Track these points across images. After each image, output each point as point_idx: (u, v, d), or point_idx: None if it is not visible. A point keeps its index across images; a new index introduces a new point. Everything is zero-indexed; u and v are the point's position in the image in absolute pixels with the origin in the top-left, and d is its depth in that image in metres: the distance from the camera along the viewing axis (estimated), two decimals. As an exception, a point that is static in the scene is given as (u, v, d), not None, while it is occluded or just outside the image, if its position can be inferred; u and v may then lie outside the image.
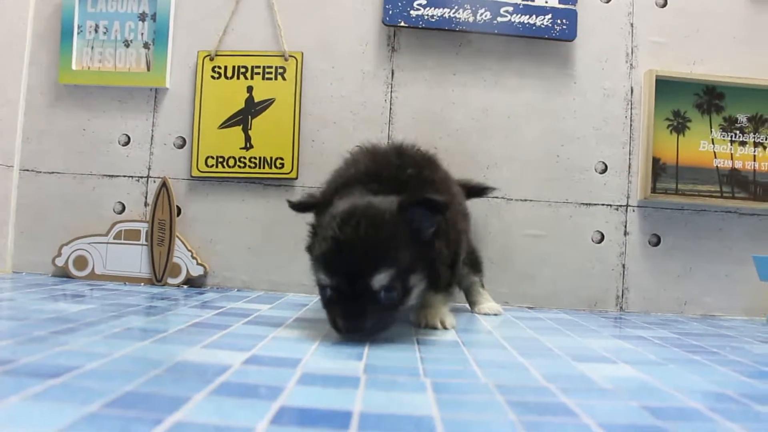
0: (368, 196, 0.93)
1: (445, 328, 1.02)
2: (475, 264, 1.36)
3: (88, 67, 1.55)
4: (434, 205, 0.89)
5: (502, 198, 1.50)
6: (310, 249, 0.95)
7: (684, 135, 1.50)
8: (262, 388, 0.58)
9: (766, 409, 0.60)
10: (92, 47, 1.55)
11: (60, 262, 1.51)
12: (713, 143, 1.51)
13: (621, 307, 1.50)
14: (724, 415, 0.57)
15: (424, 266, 0.90)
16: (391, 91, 1.52)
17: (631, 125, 1.52)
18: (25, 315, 0.91)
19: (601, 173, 1.52)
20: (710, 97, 1.51)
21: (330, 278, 0.86)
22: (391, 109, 1.52)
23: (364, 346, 0.83)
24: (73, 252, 1.51)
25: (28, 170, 1.56)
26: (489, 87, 1.53)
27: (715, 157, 1.50)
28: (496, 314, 1.30)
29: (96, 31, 1.56)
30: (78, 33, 1.55)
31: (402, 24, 1.49)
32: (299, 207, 1.00)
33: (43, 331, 0.79)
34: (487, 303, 1.34)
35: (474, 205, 1.47)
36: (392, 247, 0.86)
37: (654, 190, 1.48)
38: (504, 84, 1.53)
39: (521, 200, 1.51)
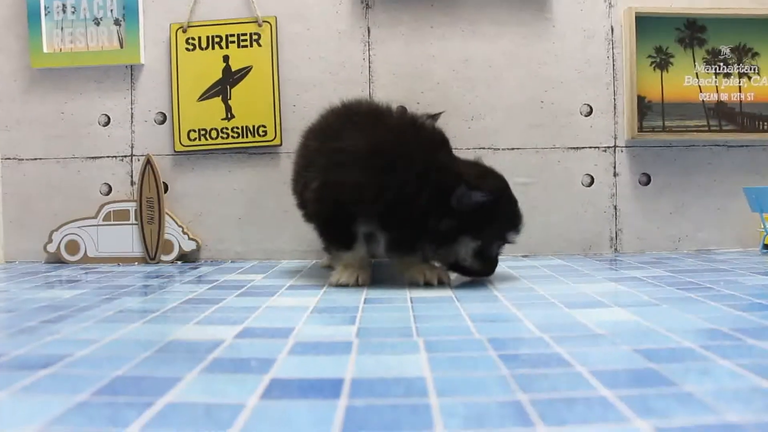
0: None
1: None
2: None
3: (60, 49, 1.52)
4: None
5: (489, 148, 1.49)
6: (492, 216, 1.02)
7: (668, 71, 1.49)
8: (253, 361, 0.58)
9: (758, 343, 0.61)
10: (62, 28, 1.52)
11: (52, 248, 1.50)
12: (698, 77, 1.49)
13: (615, 249, 1.50)
14: (717, 352, 0.57)
15: None
16: (369, 49, 1.50)
17: (614, 65, 1.50)
18: (16, 306, 0.91)
19: (586, 116, 1.50)
20: (692, 31, 1.49)
21: (516, 237, 1.07)
22: (370, 67, 1.50)
23: (357, 310, 0.83)
24: (63, 237, 1.50)
25: (9, 158, 1.54)
26: (467, 37, 1.50)
27: (701, 91, 1.49)
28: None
29: (64, 11, 1.52)
30: (46, 14, 1.51)
31: (375, -21, 1.46)
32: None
33: (34, 321, 0.78)
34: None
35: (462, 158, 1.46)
36: None
37: (641, 129, 1.47)
38: (482, 33, 1.50)
39: (508, 149, 1.50)
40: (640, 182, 1.51)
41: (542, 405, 0.45)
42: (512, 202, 1.07)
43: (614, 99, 1.50)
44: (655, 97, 1.48)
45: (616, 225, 1.50)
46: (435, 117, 1.33)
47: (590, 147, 1.50)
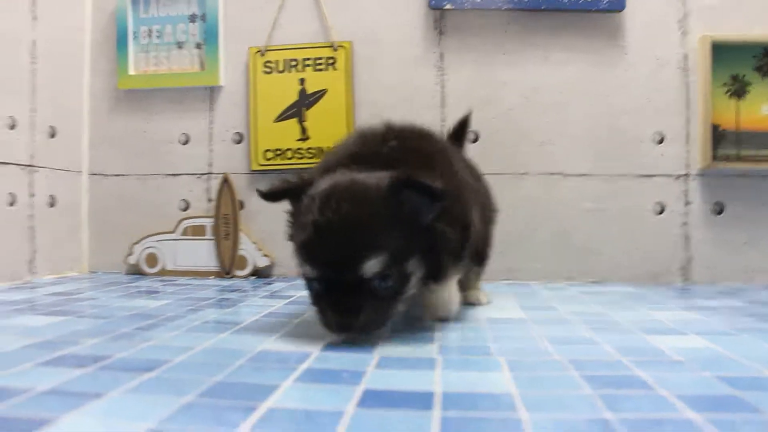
0: (351, 174, 0.80)
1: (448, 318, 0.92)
2: (479, 253, 1.07)
3: (145, 71, 1.60)
4: (430, 191, 0.75)
5: (559, 174, 1.50)
6: (291, 238, 0.83)
7: (744, 99, 1.47)
8: (344, 372, 0.60)
9: (844, 374, 0.60)
10: (147, 51, 1.60)
11: (132, 260, 1.57)
12: (774, 106, 1.47)
13: (685, 278, 1.49)
14: (802, 381, 0.58)
15: (422, 251, 0.78)
16: (442, 75, 1.53)
17: (687, 93, 1.50)
18: (110, 313, 0.96)
19: (658, 144, 1.50)
20: (769, 59, 1.47)
21: (315, 269, 0.75)
22: (442, 92, 1.53)
23: (434, 329, 0.85)
24: (144, 250, 1.56)
25: (96, 174, 1.62)
26: (539, 64, 1.52)
27: (777, 120, 1.47)
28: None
29: (150, 35, 1.60)
30: (133, 39, 1.60)
31: (448, 6, 1.49)
32: (270, 196, 0.89)
33: (128, 328, 0.83)
34: (474, 291, 1.12)
35: (531, 183, 1.48)
36: (381, 229, 0.74)
37: (714, 157, 1.46)
38: (554, 60, 1.52)
39: (578, 175, 1.50)
40: (712, 211, 1.49)
41: (630, 424, 0.46)
42: (312, 209, 0.76)
43: (687, 127, 1.49)
44: (729, 125, 1.47)
45: (686, 254, 1.49)
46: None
47: (661, 175, 1.49)
